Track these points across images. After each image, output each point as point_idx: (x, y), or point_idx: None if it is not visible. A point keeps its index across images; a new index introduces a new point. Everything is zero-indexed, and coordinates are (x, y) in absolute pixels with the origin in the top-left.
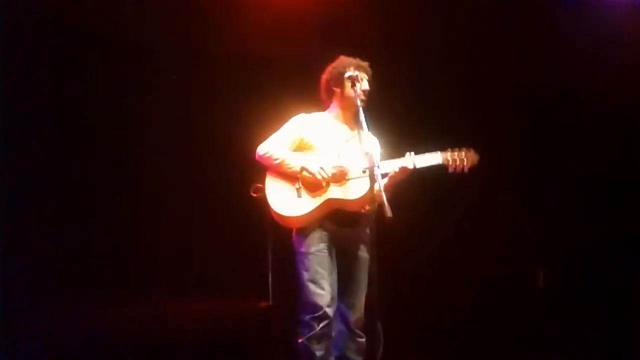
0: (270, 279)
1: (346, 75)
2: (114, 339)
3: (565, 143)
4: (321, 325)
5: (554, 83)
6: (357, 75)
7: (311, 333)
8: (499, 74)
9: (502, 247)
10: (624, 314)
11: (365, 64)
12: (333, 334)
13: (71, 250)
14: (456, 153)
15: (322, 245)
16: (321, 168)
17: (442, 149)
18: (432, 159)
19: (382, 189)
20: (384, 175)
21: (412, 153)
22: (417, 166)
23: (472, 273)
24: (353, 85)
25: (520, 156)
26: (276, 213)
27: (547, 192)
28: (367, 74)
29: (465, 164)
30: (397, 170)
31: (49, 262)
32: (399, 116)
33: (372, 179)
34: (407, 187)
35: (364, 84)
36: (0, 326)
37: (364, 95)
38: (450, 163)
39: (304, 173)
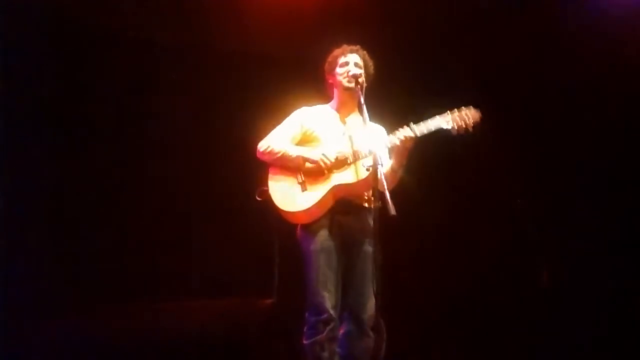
0: (276, 276)
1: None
2: (118, 336)
3: (571, 143)
4: (327, 329)
5: (557, 81)
6: (341, 62)
7: (317, 337)
8: (501, 70)
9: (506, 247)
10: (629, 314)
11: (353, 47)
12: (340, 332)
13: (73, 249)
14: (456, 113)
15: (329, 242)
16: (323, 155)
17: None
18: (433, 123)
19: (385, 186)
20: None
21: (411, 123)
22: (418, 134)
23: (476, 272)
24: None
25: (524, 156)
26: (283, 211)
27: (552, 192)
28: (359, 56)
29: (468, 121)
30: (398, 143)
31: (50, 262)
32: (400, 106)
33: (375, 177)
34: (411, 184)
35: (350, 67)
36: (1, 326)
37: (351, 78)
38: (453, 124)
39: (307, 164)
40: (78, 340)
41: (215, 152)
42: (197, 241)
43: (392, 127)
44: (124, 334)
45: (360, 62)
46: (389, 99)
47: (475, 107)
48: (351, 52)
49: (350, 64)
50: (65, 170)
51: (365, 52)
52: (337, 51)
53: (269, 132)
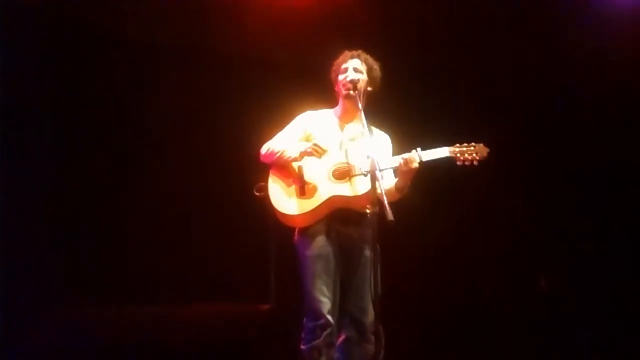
0: (272, 281)
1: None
2: (115, 340)
3: (571, 147)
4: (324, 334)
5: (558, 82)
6: (342, 69)
7: (315, 342)
8: (503, 74)
9: (506, 252)
10: (628, 319)
11: (354, 52)
12: (340, 339)
13: (73, 249)
14: (465, 147)
15: (326, 248)
16: (314, 144)
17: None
18: (439, 152)
19: (383, 192)
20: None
21: (419, 149)
22: (424, 159)
23: (475, 277)
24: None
25: (524, 159)
26: (279, 212)
27: (550, 196)
28: (360, 60)
29: (475, 157)
30: (402, 162)
31: (50, 262)
32: (404, 117)
33: (374, 182)
34: (410, 189)
35: (349, 73)
36: (2, 327)
37: (349, 83)
38: (459, 156)
39: (302, 161)
40: (78, 340)
41: (215, 154)
42: (196, 243)
43: (392, 131)
44: (123, 335)
45: (361, 67)
46: (389, 102)
47: (482, 142)
48: (352, 57)
49: (349, 70)
50: (65, 170)
51: (367, 56)
52: (339, 58)
53: (272, 135)
